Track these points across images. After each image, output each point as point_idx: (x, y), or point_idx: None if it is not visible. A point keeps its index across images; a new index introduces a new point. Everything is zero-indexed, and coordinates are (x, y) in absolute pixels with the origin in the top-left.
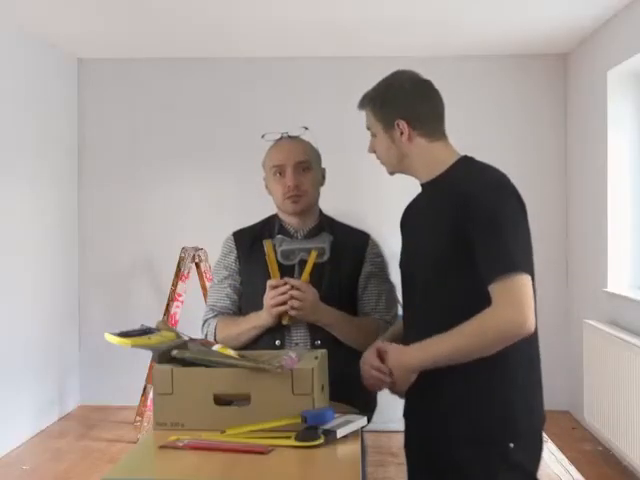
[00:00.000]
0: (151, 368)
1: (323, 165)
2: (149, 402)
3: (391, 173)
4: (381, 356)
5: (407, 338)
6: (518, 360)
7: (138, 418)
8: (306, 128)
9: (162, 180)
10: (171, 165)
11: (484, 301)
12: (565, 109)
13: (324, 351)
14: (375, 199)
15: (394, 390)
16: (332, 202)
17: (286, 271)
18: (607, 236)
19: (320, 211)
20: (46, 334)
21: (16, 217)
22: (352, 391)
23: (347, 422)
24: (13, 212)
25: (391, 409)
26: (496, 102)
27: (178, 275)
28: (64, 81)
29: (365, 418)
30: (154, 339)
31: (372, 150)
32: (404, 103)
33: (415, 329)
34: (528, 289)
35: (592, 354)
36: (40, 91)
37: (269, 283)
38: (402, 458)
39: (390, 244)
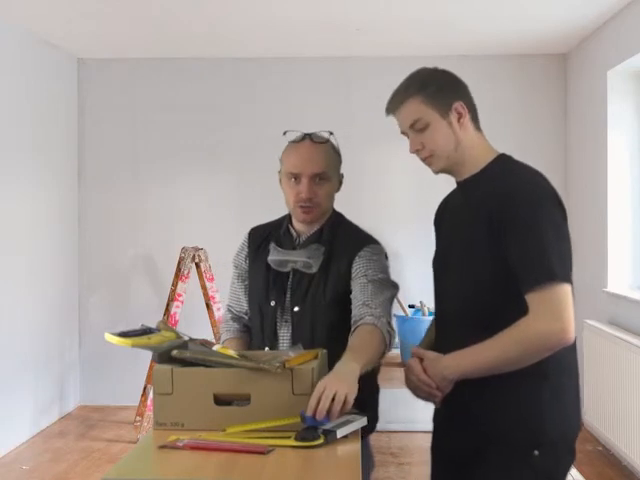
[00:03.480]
0: (151, 368)
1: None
2: (149, 402)
3: (439, 170)
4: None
5: (441, 337)
6: (552, 366)
7: (138, 418)
8: (331, 133)
9: (162, 180)
10: (171, 165)
11: (521, 305)
12: (565, 109)
13: (324, 351)
14: (376, 199)
15: (431, 397)
16: (334, 201)
17: (280, 277)
18: (607, 236)
19: (333, 211)
20: (46, 334)
21: (16, 217)
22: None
23: (347, 422)
24: (13, 212)
25: (391, 410)
26: (496, 102)
27: (178, 275)
28: (64, 81)
29: (365, 418)
30: (154, 339)
31: (419, 146)
32: (458, 86)
33: (450, 328)
34: (568, 299)
35: (592, 354)
36: (40, 91)
37: None
38: (402, 458)
39: (390, 243)
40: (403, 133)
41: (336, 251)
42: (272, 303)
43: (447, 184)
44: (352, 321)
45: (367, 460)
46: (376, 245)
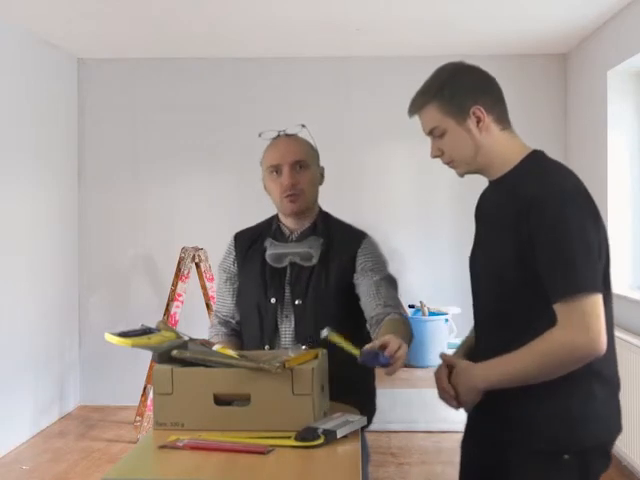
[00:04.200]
0: (151, 368)
1: (323, 165)
2: (149, 402)
3: (463, 174)
4: (451, 371)
5: (477, 337)
6: (581, 374)
7: (138, 418)
8: (303, 126)
9: (162, 180)
10: (171, 165)
11: (550, 311)
12: (565, 109)
13: (324, 351)
14: (376, 199)
15: (459, 407)
16: (332, 201)
17: (277, 273)
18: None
19: (319, 209)
20: (46, 334)
21: (16, 217)
22: (351, 394)
23: (347, 422)
24: (13, 212)
25: (391, 410)
26: None
27: (178, 275)
28: (64, 81)
29: (365, 418)
30: (154, 339)
31: (438, 152)
32: (474, 89)
33: (481, 329)
34: (596, 310)
35: None
36: (40, 91)
37: None
38: (402, 458)
39: (392, 242)
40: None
41: (334, 243)
42: (272, 300)
43: (447, 185)
44: (374, 319)
45: (364, 454)
46: (371, 238)
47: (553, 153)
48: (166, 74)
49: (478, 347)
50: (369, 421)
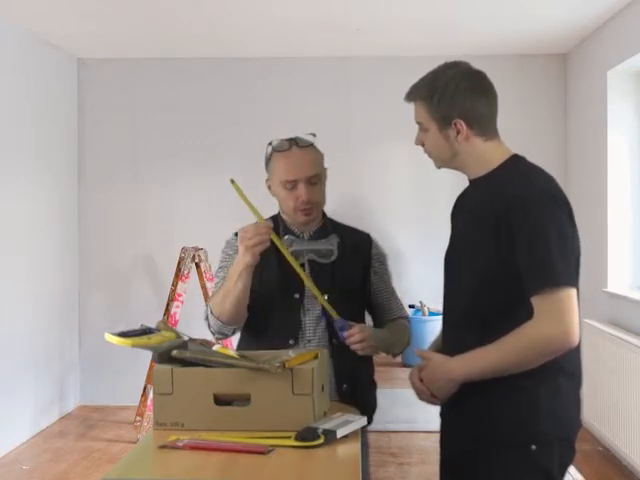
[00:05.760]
0: (151, 368)
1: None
2: (149, 402)
3: (439, 167)
4: (423, 367)
5: (446, 333)
6: (549, 369)
7: (138, 418)
8: (314, 135)
9: (162, 180)
10: (171, 165)
11: (525, 307)
12: (565, 109)
13: (325, 351)
14: (376, 199)
15: (431, 401)
16: (335, 202)
17: (293, 271)
18: (607, 236)
19: (323, 212)
20: (46, 334)
21: (16, 217)
22: (358, 389)
23: (347, 422)
24: (13, 212)
25: (391, 410)
26: None
27: (178, 275)
28: (64, 81)
29: (365, 418)
30: (154, 339)
31: (420, 143)
32: (463, 102)
33: (454, 325)
34: (571, 303)
35: (592, 354)
36: (40, 91)
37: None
38: (402, 458)
39: (394, 242)
40: None
41: (346, 241)
42: (296, 295)
43: (447, 185)
44: (387, 318)
45: (365, 453)
46: (374, 237)
47: (553, 153)
48: (166, 74)
49: (447, 343)
50: (370, 419)
